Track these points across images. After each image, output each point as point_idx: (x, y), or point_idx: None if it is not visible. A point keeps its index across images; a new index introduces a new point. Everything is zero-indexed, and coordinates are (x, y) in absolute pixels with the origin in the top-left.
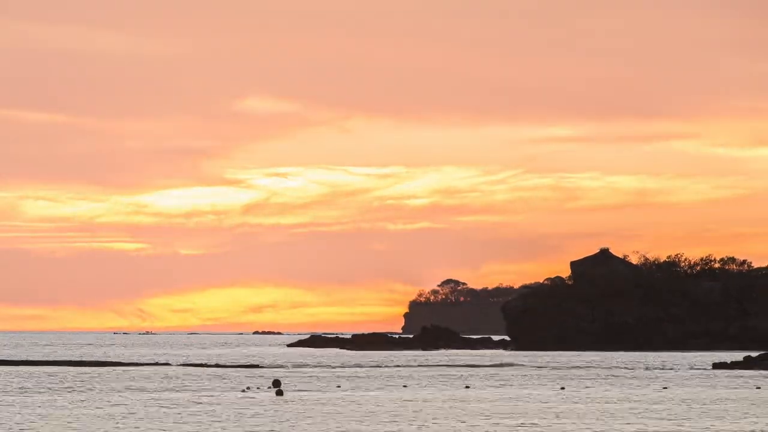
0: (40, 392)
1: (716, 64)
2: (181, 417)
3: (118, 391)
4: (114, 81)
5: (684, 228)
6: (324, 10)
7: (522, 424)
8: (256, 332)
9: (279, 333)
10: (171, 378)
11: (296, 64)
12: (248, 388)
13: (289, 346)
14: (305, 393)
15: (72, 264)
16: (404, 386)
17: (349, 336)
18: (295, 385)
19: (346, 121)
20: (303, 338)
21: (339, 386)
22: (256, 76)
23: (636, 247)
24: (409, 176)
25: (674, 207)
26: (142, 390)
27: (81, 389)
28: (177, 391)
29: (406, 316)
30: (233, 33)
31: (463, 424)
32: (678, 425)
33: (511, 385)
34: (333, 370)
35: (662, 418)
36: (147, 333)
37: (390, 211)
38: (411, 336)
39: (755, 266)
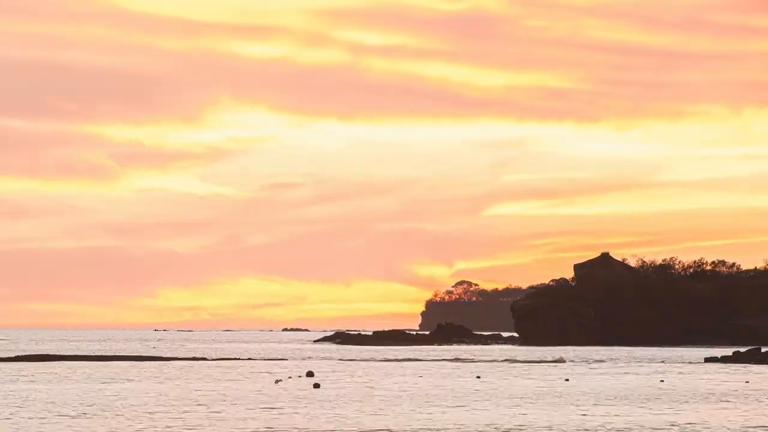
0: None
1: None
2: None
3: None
4: (107, 89)
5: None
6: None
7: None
8: (284, 329)
9: (306, 330)
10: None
11: (272, 75)
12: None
13: (315, 342)
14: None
15: (78, 262)
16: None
17: (370, 333)
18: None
19: (322, 126)
20: (328, 335)
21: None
22: (244, 86)
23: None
24: (392, 179)
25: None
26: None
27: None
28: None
29: (422, 314)
30: (206, 46)
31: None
32: (674, 412)
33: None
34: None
35: (659, 406)
36: (188, 330)
37: (380, 212)
38: (427, 332)
39: (743, 269)
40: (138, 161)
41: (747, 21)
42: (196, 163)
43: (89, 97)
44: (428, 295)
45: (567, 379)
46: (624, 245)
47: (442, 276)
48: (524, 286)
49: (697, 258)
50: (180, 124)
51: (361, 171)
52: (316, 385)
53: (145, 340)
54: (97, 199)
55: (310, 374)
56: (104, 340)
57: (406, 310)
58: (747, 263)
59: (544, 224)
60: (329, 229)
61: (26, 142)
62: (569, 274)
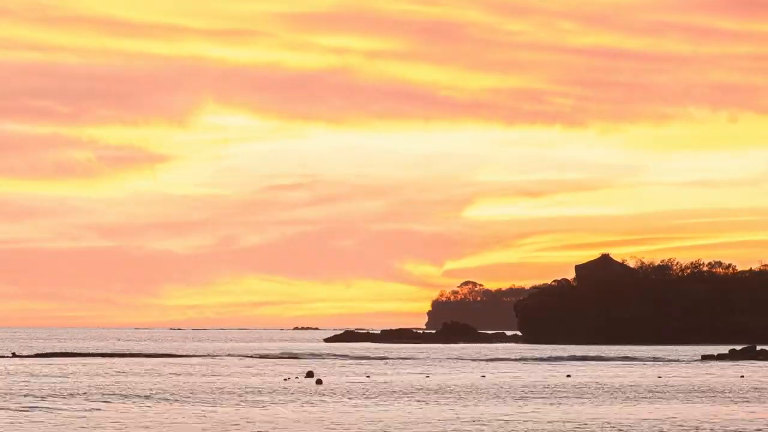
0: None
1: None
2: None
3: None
4: (100, 92)
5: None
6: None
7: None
8: (296, 328)
9: (316, 329)
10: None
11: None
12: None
13: (326, 341)
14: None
15: (79, 263)
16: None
17: (378, 331)
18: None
19: (310, 130)
20: (338, 333)
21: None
22: (235, 89)
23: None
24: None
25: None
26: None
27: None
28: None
29: (429, 313)
30: (196, 51)
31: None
32: (672, 406)
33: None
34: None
35: (659, 401)
36: (201, 329)
37: (371, 213)
38: (434, 331)
39: (739, 269)
40: (131, 163)
41: (729, 23)
42: (188, 165)
43: (83, 99)
44: (422, 294)
45: (569, 375)
46: (609, 245)
47: (434, 276)
48: (527, 286)
49: (682, 257)
50: (170, 127)
51: (352, 173)
52: (319, 382)
53: (198, 340)
54: (93, 200)
55: (311, 375)
56: (145, 340)
57: (402, 308)
58: (742, 264)
59: (530, 224)
60: (323, 230)
61: (23, 144)
62: (557, 272)
